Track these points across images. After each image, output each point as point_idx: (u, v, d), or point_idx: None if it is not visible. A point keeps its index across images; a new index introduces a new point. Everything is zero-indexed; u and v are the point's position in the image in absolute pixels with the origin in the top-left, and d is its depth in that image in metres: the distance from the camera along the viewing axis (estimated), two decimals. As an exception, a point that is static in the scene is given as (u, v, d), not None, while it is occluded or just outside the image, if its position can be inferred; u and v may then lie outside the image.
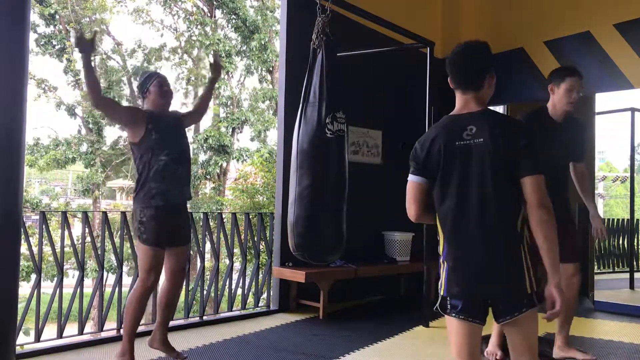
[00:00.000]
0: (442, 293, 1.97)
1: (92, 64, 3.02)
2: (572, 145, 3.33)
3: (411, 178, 2.10)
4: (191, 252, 5.61)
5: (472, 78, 2.02)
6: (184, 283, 4.73)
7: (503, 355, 3.28)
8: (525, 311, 1.86)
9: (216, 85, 13.55)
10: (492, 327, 3.37)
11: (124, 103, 13.91)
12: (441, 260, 2.00)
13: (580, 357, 3.32)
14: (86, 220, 4.50)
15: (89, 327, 4.68)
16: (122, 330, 3.22)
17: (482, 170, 1.89)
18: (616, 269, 6.27)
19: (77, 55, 13.36)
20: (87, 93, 3.02)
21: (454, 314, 1.95)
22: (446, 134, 1.96)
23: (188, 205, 3.34)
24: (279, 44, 7.43)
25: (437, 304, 2.00)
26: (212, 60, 3.54)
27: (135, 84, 3.98)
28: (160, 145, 3.09)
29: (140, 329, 4.28)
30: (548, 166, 3.15)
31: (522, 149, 1.88)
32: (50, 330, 4.06)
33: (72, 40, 3.53)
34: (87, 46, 2.89)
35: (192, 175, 3.44)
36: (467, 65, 2.06)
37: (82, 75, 3.35)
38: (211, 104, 14.90)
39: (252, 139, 14.36)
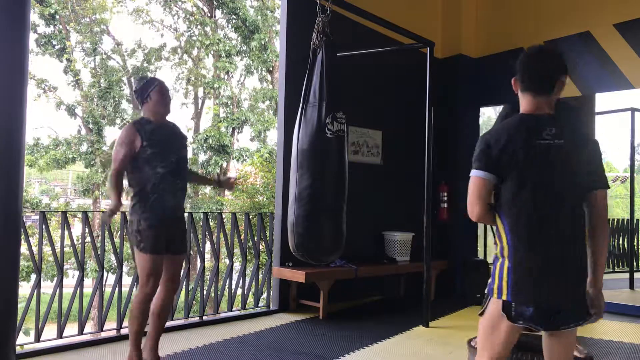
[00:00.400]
0: (503, 297, 1.85)
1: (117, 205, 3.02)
2: None
3: (478, 174, 1.96)
4: (191, 252, 5.61)
5: (544, 83, 1.99)
6: (183, 285, 4.75)
7: None
8: (586, 321, 1.84)
9: (216, 85, 13.61)
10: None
11: (124, 104, 13.91)
12: (501, 263, 1.89)
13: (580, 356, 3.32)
14: (86, 220, 4.50)
15: (89, 327, 4.68)
16: (126, 330, 3.21)
17: (562, 172, 1.85)
18: (616, 269, 6.27)
19: (77, 56, 13.39)
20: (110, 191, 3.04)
21: (520, 322, 1.83)
22: (526, 132, 1.89)
23: (186, 210, 3.35)
24: (279, 44, 7.44)
25: (493, 306, 1.89)
26: (224, 178, 3.50)
27: (133, 88, 3.73)
28: (157, 158, 3.04)
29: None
30: None
31: (599, 162, 1.89)
32: (50, 330, 4.06)
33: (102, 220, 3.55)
34: (107, 220, 3.10)
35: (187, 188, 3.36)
36: (541, 69, 2.04)
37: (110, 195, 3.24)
38: (211, 103, 14.94)
39: (252, 139, 14.37)
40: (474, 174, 1.97)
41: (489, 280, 1.94)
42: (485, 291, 1.96)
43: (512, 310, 1.83)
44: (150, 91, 3.10)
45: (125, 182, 3.06)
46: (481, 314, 1.97)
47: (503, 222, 1.91)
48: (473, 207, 1.98)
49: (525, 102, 1.99)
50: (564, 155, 1.86)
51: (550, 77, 1.99)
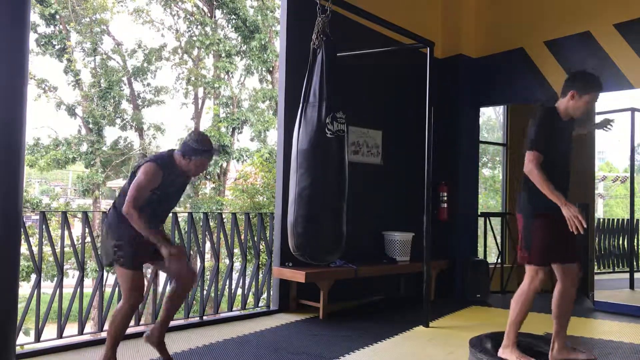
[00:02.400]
0: None
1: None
2: (570, 139, 3.38)
3: None
4: (191, 252, 5.61)
5: None
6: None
7: None
8: None
9: (216, 85, 13.59)
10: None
11: (124, 104, 13.90)
12: None
13: (582, 357, 3.31)
14: (86, 220, 4.50)
15: (89, 327, 4.68)
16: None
17: None
18: (616, 269, 6.27)
19: (77, 56, 13.39)
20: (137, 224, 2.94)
21: None
22: None
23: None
24: (279, 44, 7.44)
25: None
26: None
27: (186, 138, 3.22)
28: (159, 203, 3.09)
29: (140, 329, 4.30)
30: (562, 163, 3.21)
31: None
32: (50, 330, 4.06)
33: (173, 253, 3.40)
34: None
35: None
36: None
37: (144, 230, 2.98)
38: (211, 103, 14.93)
39: (252, 139, 14.37)
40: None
41: None
42: None
43: None
44: (199, 157, 3.08)
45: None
46: None
47: None
48: None
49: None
50: None
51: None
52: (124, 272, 3.01)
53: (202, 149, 3.07)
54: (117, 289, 4.30)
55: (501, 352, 3.27)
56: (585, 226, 2.85)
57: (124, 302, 3.07)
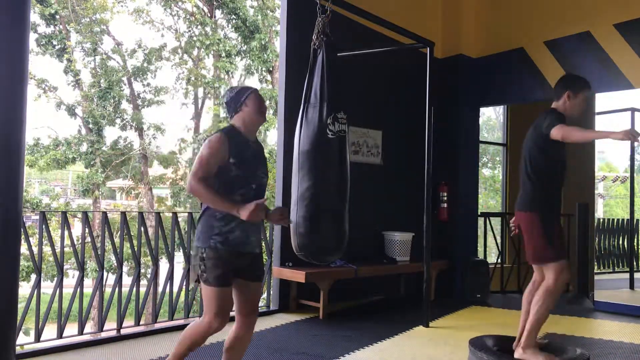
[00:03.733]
0: None
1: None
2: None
3: None
4: (191, 252, 5.60)
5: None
6: (183, 285, 4.76)
7: None
8: None
9: (216, 85, 13.58)
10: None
11: (124, 104, 13.90)
12: None
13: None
14: (86, 220, 4.50)
15: (89, 327, 4.68)
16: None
17: None
18: (616, 269, 6.27)
19: (77, 56, 13.38)
20: (202, 195, 2.53)
21: None
22: None
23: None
24: (279, 44, 7.44)
25: None
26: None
27: (225, 99, 2.80)
28: (239, 182, 2.62)
29: (140, 329, 4.30)
30: (563, 165, 3.25)
31: None
32: (50, 330, 4.06)
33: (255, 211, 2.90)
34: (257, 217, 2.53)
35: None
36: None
37: (212, 199, 2.45)
38: (211, 103, 14.94)
39: (252, 139, 14.33)
40: None
41: None
42: None
43: None
44: (245, 98, 2.72)
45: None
46: None
47: None
48: None
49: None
50: None
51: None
52: (208, 289, 2.58)
53: (238, 91, 2.75)
54: (117, 288, 4.31)
55: (520, 354, 3.18)
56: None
57: (206, 323, 2.60)
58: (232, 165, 2.58)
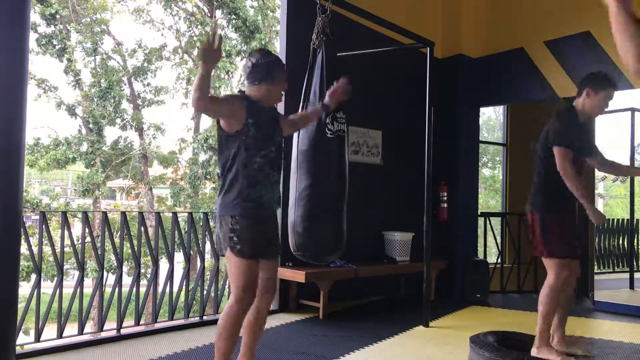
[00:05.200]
0: None
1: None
2: (590, 140, 3.48)
3: None
4: (191, 252, 5.61)
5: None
6: (183, 285, 4.76)
7: None
8: None
9: (216, 85, 13.61)
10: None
11: (124, 104, 13.90)
12: None
13: (580, 353, 3.35)
14: (86, 220, 4.50)
15: (89, 327, 4.68)
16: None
17: None
18: (616, 269, 6.27)
19: (77, 55, 13.37)
20: (195, 94, 2.41)
21: None
22: None
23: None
24: (279, 44, 7.44)
25: None
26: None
27: (252, 61, 2.66)
28: (257, 144, 2.60)
29: (140, 329, 4.30)
30: (577, 164, 3.25)
31: None
32: (50, 330, 4.06)
33: (200, 50, 2.72)
34: (213, 57, 2.45)
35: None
36: None
37: (194, 82, 2.44)
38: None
39: (252, 139, 14.34)
40: None
41: None
42: None
43: None
44: (277, 74, 2.66)
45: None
46: None
47: None
48: None
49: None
50: None
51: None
52: (238, 261, 2.56)
53: (271, 60, 2.66)
54: (117, 288, 4.31)
55: (536, 352, 3.24)
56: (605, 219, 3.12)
57: (232, 303, 2.60)
58: (251, 125, 2.58)
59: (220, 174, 2.64)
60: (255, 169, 2.59)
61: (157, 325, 4.39)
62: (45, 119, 21.20)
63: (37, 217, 8.94)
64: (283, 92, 2.73)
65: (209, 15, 14.27)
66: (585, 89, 3.25)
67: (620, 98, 5.63)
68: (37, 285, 3.92)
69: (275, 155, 2.69)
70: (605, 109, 3.28)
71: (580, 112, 3.28)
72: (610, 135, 6.14)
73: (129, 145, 14.71)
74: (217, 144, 2.74)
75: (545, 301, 3.21)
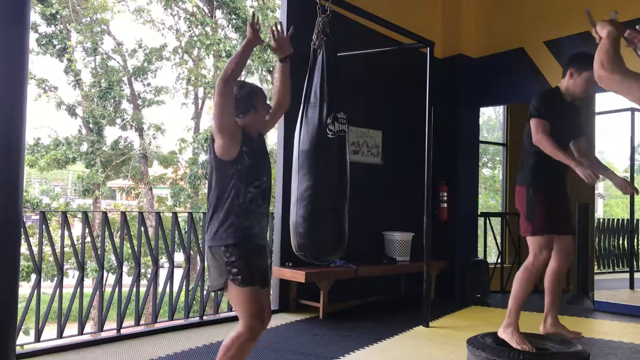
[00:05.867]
0: None
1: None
2: (577, 121, 3.38)
3: None
4: (191, 252, 5.61)
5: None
6: (183, 285, 4.76)
7: None
8: None
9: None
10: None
11: (124, 104, 13.90)
12: None
13: (569, 334, 3.32)
14: (86, 220, 4.51)
15: (89, 327, 4.69)
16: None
17: None
18: (616, 269, 6.27)
19: (77, 55, 13.36)
20: (230, 67, 2.49)
21: None
22: None
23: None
24: (279, 44, 7.43)
25: None
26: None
27: (236, 97, 2.63)
28: (251, 174, 2.59)
29: (140, 329, 4.30)
30: (563, 143, 3.20)
31: None
32: (50, 330, 4.06)
33: (249, 31, 2.79)
34: (258, 39, 2.64)
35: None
36: None
37: (230, 60, 2.58)
38: (211, 103, 14.92)
39: (252, 139, 14.35)
40: None
41: None
42: None
43: None
44: (256, 102, 2.68)
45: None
46: None
47: None
48: None
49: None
50: None
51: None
52: (241, 291, 2.48)
53: (250, 91, 2.70)
54: (117, 288, 4.30)
55: (501, 332, 3.19)
56: (598, 177, 2.95)
57: (241, 331, 2.50)
58: (245, 154, 2.57)
59: (211, 203, 2.59)
60: (248, 200, 2.56)
61: (157, 326, 4.39)
62: (45, 119, 21.15)
63: (37, 217, 8.94)
64: (267, 115, 2.77)
65: (209, 15, 14.28)
66: (569, 69, 3.21)
67: (620, 98, 5.65)
68: (37, 285, 3.92)
69: (267, 187, 2.70)
70: (589, 90, 3.20)
71: (565, 93, 3.24)
72: (610, 135, 6.14)
73: (129, 145, 14.71)
74: (208, 171, 2.72)
75: (518, 281, 3.16)
